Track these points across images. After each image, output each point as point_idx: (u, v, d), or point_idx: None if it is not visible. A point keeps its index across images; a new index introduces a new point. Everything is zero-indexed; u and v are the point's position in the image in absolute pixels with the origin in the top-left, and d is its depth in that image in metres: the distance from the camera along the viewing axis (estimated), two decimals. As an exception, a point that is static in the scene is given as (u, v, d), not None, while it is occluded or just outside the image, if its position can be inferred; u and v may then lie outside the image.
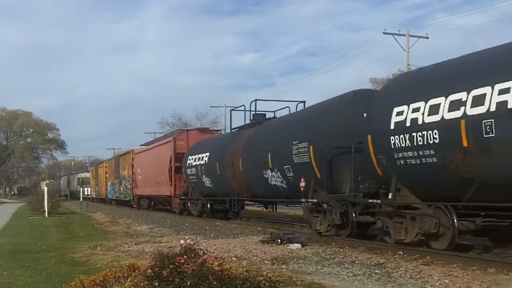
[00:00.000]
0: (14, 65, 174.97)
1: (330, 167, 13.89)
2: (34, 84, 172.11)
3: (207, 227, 19.32)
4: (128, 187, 36.16)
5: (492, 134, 8.84)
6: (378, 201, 12.16)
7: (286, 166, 16.00)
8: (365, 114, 12.55)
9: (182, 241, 6.59)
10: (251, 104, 21.62)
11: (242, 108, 22.11)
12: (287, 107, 20.24)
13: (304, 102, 19.54)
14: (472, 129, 9.19)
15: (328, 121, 14.36)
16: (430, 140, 10.09)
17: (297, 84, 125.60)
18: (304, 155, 14.99)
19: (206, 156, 22.71)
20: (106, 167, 46.38)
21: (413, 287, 8.04)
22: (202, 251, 6.31)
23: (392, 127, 11.16)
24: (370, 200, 12.39)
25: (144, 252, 12.32)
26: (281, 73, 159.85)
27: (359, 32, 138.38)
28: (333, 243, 13.30)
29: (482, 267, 9.23)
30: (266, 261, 10.66)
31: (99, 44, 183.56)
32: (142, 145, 36.84)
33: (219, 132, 29.83)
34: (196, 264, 5.86)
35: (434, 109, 10.04)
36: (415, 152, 10.56)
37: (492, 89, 8.87)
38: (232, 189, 20.72)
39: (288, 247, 12.69)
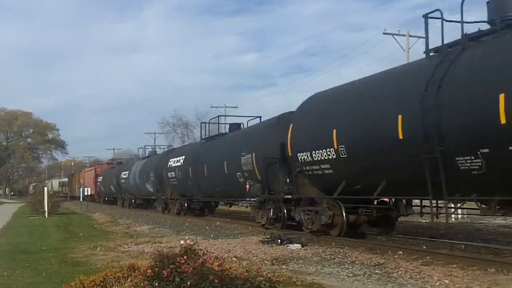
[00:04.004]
0: (14, 65, 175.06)
1: None
2: (34, 84, 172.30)
3: (207, 227, 19.31)
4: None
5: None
6: None
7: None
8: None
9: (182, 242, 6.59)
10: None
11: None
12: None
13: None
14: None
15: None
16: None
17: (298, 84, 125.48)
18: None
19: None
20: (75, 176, 71.46)
21: (413, 287, 8.04)
22: (202, 251, 6.31)
23: None
24: None
25: (144, 253, 12.32)
26: (282, 73, 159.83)
27: (361, 32, 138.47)
28: (333, 243, 13.29)
29: (482, 267, 9.23)
30: (266, 262, 10.66)
31: (100, 44, 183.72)
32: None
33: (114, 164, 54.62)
34: (196, 264, 5.86)
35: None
36: None
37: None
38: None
39: (288, 247, 12.68)
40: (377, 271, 9.33)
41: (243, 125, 23.71)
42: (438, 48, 11.02)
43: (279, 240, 13.25)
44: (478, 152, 9.13)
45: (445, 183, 9.82)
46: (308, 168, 14.45)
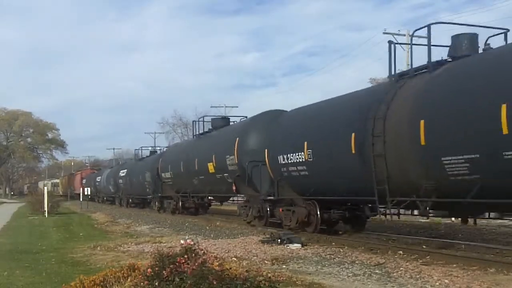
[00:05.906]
0: (14, 65, 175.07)
1: None
2: (34, 84, 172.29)
3: (207, 227, 19.32)
4: (73, 189, 71.75)
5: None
6: None
7: None
8: None
9: (182, 241, 6.58)
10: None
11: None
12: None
13: None
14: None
15: None
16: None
17: (299, 84, 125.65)
18: None
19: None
20: (66, 178, 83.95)
21: (413, 287, 8.05)
22: (202, 251, 6.30)
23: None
24: None
25: (144, 252, 12.32)
26: (283, 73, 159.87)
27: (363, 31, 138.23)
28: (333, 243, 13.30)
29: (482, 267, 9.24)
30: (266, 261, 10.66)
31: (100, 43, 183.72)
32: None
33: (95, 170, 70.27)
34: (196, 264, 5.86)
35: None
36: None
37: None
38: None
39: (288, 247, 12.69)
40: (377, 271, 9.33)
41: (161, 150, 39.16)
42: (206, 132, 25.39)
43: (279, 240, 13.25)
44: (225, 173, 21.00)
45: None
46: (166, 181, 29.05)
